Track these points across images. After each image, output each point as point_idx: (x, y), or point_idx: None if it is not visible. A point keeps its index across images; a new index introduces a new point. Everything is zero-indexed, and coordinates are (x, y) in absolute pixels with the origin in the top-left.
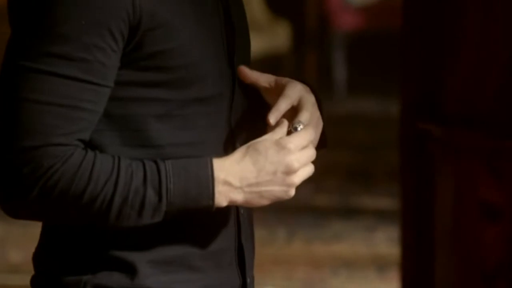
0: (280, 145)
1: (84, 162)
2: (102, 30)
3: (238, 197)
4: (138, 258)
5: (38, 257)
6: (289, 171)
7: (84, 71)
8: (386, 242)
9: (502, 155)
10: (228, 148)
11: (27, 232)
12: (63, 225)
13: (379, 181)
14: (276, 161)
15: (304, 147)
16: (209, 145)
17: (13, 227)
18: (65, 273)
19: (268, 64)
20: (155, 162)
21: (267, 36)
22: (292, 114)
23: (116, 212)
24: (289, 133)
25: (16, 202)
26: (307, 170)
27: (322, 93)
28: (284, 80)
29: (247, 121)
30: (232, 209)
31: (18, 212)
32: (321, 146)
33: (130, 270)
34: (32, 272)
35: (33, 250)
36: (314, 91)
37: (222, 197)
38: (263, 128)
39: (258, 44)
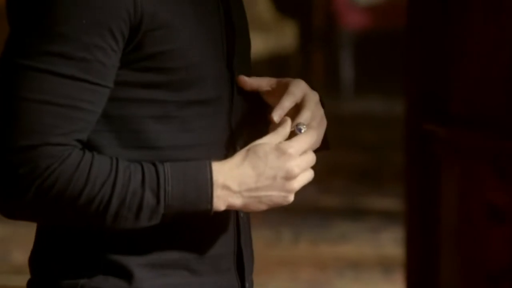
0: (280, 150)
1: (82, 162)
2: (102, 30)
3: (237, 201)
4: (134, 261)
5: (34, 261)
6: (289, 177)
7: (83, 71)
8: (392, 243)
9: (507, 156)
10: (228, 151)
11: (30, 232)
12: (58, 228)
13: (386, 181)
14: (276, 167)
15: (304, 152)
16: (208, 147)
17: (16, 228)
18: (61, 277)
19: (275, 63)
20: (154, 165)
21: (274, 35)
22: (296, 112)
23: (113, 214)
24: (292, 133)
25: (13, 202)
26: (307, 175)
27: (329, 93)
28: (286, 79)
29: (248, 124)
30: (232, 213)
31: (15, 212)
32: (323, 147)
33: (126, 273)
34: None
35: None
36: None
37: (221, 201)
38: (263, 130)
39: (264, 43)
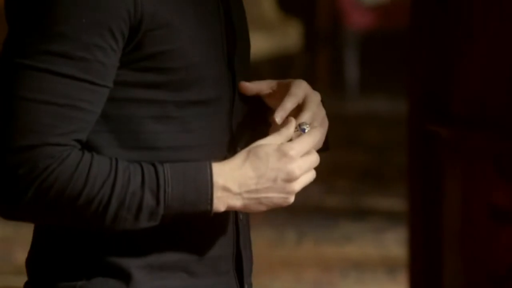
0: (281, 152)
1: (81, 163)
2: (102, 30)
3: (237, 203)
4: (133, 263)
5: (31, 263)
6: (290, 179)
7: (83, 71)
8: (396, 244)
9: (510, 156)
10: (228, 152)
11: (32, 233)
12: (56, 230)
13: (390, 181)
14: (277, 168)
15: (306, 153)
16: (208, 148)
17: (18, 228)
18: (59, 279)
19: (279, 63)
20: (153, 165)
21: (279, 35)
22: (297, 113)
23: (113, 215)
24: (295, 133)
25: (12, 203)
26: (309, 177)
27: (334, 93)
28: (287, 81)
29: (248, 125)
30: (231, 214)
31: (14, 213)
32: (323, 148)
33: (124, 275)
34: None
35: None
36: None
37: (221, 203)
38: (264, 132)
39: (269, 43)
